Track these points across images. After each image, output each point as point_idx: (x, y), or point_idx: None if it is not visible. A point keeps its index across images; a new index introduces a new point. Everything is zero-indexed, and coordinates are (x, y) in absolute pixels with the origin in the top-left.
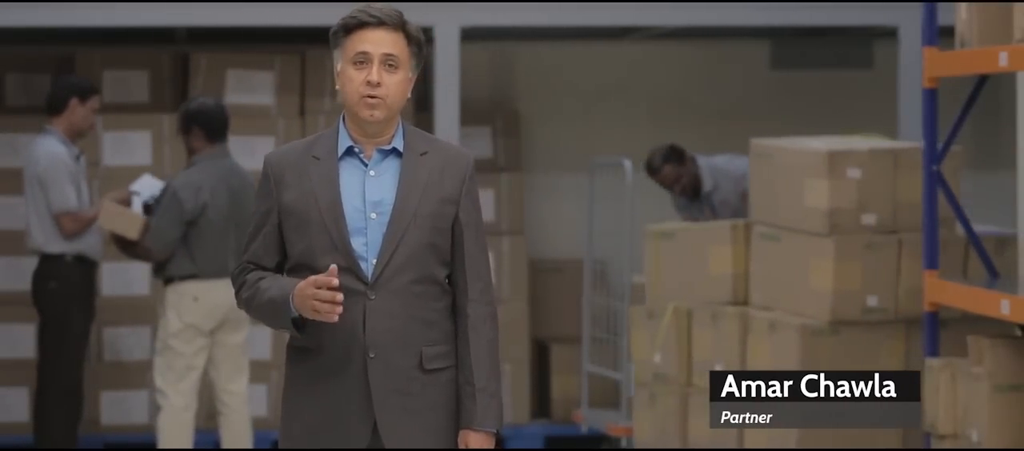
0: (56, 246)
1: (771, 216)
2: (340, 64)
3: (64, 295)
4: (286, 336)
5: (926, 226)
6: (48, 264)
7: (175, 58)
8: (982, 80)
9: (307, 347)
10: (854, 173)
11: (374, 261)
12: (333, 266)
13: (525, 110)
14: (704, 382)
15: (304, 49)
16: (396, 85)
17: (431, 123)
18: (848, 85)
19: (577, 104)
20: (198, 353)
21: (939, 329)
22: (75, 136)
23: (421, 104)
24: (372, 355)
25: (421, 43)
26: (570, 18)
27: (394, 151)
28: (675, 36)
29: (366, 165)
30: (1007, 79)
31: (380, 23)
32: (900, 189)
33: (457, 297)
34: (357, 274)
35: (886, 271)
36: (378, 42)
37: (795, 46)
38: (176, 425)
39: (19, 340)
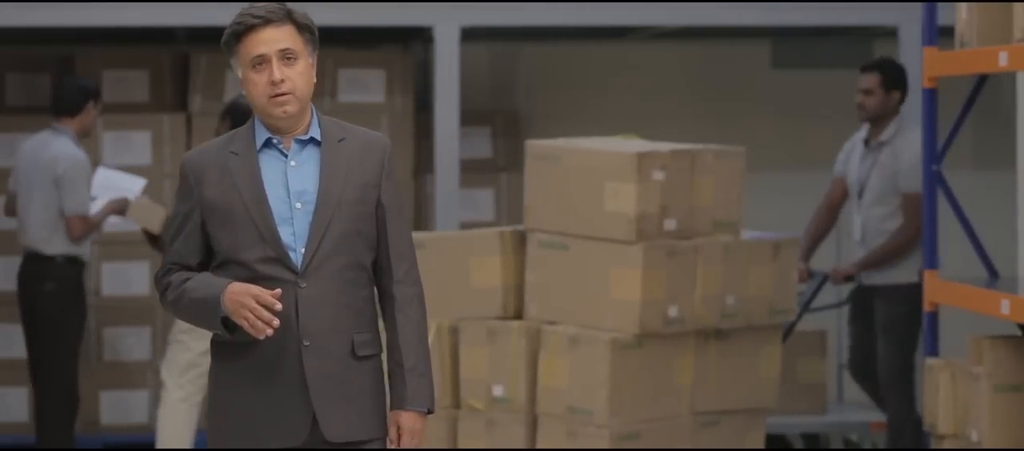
0: (53, 247)
1: (556, 223)
2: (240, 71)
3: (61, 296)
4: None
5: (926, 226)
6: (43, 265)
7: (175, 58)
8: (982, 80)
9: (236, 340)
10: (658, 176)
11: (302, 250)
12: (278, 290)
13: (525, 110)
14: (478, 402)
15: None
16: (299, 75)
17: (431, 123)
18: (848, 85)
19: (577, 104)
20: (206, 353)
21: (938, 329)
22: (83, 137)
23: (421, 104)
24: (307, 343)
25: (312, 28)
26: (570, 18)
27: (312, 140)
28: (675, 36)
29: (286, 156)
30: (1007, 79)
31: (267, 22)
32: (696, 193)
33: (382, 279)
34: (287, 264)
35: (685, 279)
36: (270, 40)
37: (795, 46)
38: (173, 417)
39: (18, 340)
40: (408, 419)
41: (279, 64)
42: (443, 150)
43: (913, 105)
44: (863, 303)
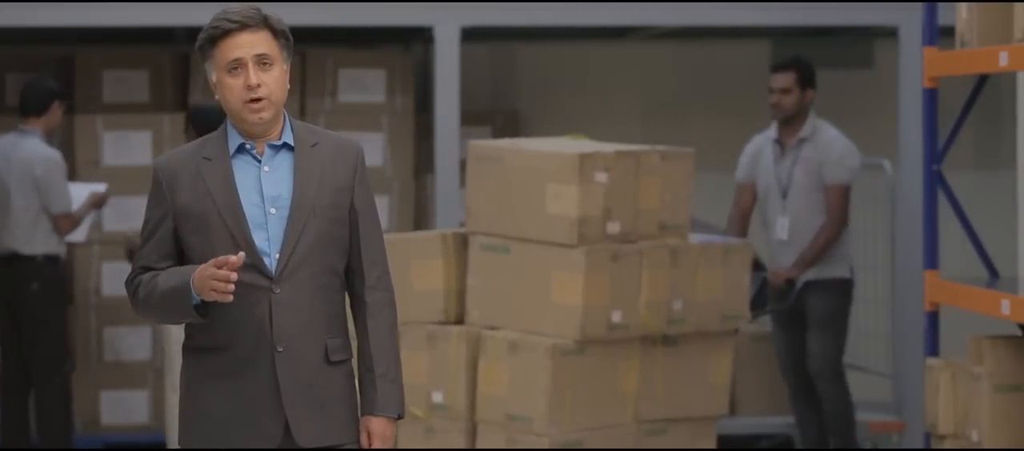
0: (33, 247)
1: (498, 226)
2: (214, 75)
3: (46, 295)
4: None
5: (926, 226)
6: (26, 265)
7: (175, 58)
8: (982, 80)
9: (209, 346)
10: (601, 177)
11: (277, 256)
12: (241, 253)
13: (525, 110)
14: (418, 409)
15: (304, 49)
16: (275, 81)
17: (431, 123)
18: (848, 85)
19: (577, 104)
20: None
21: (938, 329)
22: (49, 137)
23: (421, 104)
24: (280, 349)
25: (287, 34)
26: (570, 18)
27: (285, 145)
28: (675, 36)
29: (259, 161)
30: (1007, 79)
31: (243, 26)
32: (641, 195)
33: (354, 284)
34: (261, 270)
35: (630, 284)
36: (247, 45)
37: (795, 46)
38: None
39: None
40: (379, 425)
41: (255, 69)
42: (443, 150)
43: (913, 105)
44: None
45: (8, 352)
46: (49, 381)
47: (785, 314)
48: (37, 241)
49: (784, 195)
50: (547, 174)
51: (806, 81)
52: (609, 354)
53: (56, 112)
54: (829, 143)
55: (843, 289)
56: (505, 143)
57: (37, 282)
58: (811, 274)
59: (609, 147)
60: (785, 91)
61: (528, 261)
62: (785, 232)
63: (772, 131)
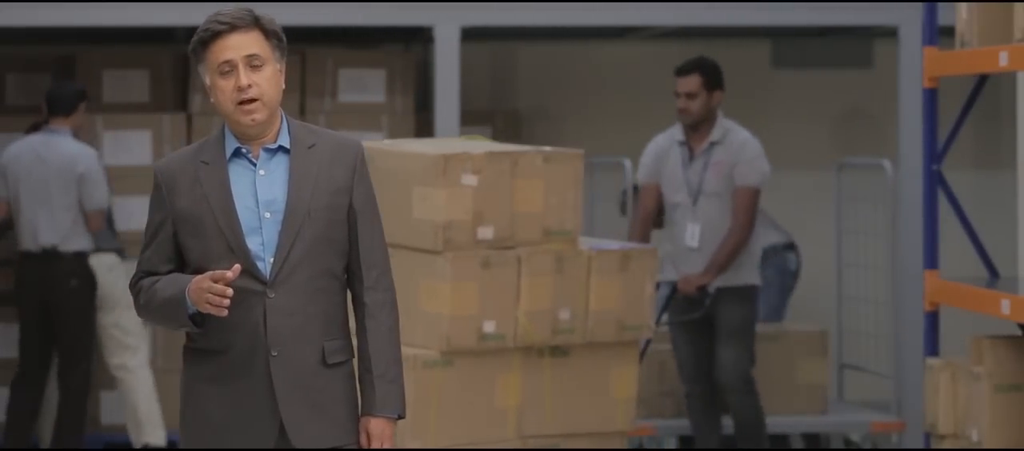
0: (71, 244)
1: None
2: (208, 78)
3: (84, 292)
4: None
5: (926, 226)
6: (65, 263)
7: (175, 58)
8: (982, 80)
9: (206, 349)
10: (469, 180)
11: (271, 260)
12: (236, 266)
13: (525, 110)
14: None
15: (304, 49)
16: (267, 81)
17: (431, 123)
18: (848, 85)
19: (577, 104)
20: (139, 323)
21: (938, 329)
22: (77, 137)
23: (421, 104)
24: (275, 353)
25: (279, 34)
26: (570, 18)
27: (281, 148)
28: (675, 36)
29: (255, 165)
30: (1007, 79)
31: (233, 27)
32: (520, 199)
33: (354, 285)
34: (255, 274)
35: (504, 292)
36: (237, 47)
37: (795, 46)
38: (146, 384)
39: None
40: (377, 425)
41: (246, 70)
42: None
43: (913, 105)
44: (700, 307)
45: (31, 350)
46: (80, 379)
47: (695, 322)
48: (75, 238)
49: (695, 201)
50: (413, 176)
51: (713, 83)
52: (483, 366)
53: (82, 112)
54: (742, 144)
55: (752, 295)
56: (382, 144)
57: (76, 279)
58: (722, 281)
59: (479, 147)
60: (691, 95)
61: (397, 268)
62: (696, 239)
63: (677, 132)
